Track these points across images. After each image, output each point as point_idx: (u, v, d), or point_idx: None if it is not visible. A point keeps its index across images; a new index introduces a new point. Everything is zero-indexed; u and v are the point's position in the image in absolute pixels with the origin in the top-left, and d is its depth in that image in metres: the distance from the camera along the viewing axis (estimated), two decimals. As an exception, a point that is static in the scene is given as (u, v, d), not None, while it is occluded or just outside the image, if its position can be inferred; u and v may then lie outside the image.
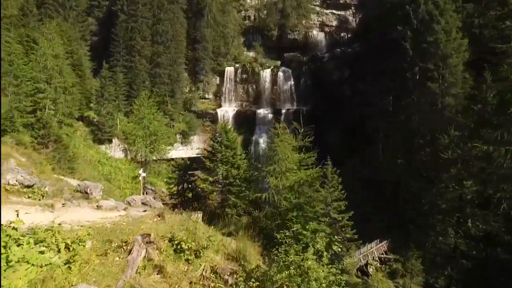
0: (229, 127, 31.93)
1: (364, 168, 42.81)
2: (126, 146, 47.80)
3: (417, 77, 34.72)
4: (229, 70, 68.98)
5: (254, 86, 68.78)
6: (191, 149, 56.89)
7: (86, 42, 54.62)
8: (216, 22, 68.78)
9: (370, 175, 41.12)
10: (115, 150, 44.13)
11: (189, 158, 58.05)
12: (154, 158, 36.82)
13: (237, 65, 70.23)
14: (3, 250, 4.72)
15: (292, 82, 67.38)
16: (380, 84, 42.24)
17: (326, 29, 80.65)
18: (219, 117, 64.79)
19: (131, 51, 53.21)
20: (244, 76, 69.04)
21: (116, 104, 46.14)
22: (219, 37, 69.29)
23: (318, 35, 78.58)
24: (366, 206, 38.89)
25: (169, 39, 55.64)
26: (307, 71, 67.57)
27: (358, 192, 41.10)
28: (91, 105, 45.08)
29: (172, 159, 54.61)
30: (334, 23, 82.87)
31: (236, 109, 66.45)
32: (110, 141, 44.01)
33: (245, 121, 64.15)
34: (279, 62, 71.77)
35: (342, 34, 79.85)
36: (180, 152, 55.48)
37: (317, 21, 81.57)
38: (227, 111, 65.91)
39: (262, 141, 62.37)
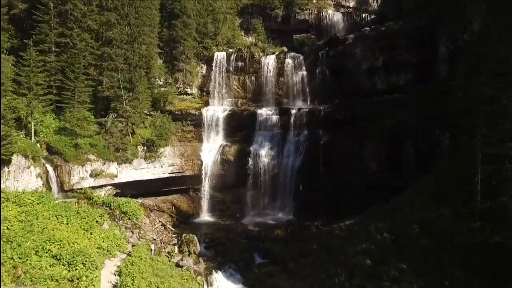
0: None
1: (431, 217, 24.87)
2: (48, 167, 29.86)
3: None
4: (220, 55, 51.30)
5: (253, 78, 51.18)
6: (160, 166, 38.89)
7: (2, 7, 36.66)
8: (202, -9, 51.21)
9: (445, 229, 23.49)
10: (17, 177, 26.08)
11: (159, 180, 40.33)
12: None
13: (230, 50, 52.67)
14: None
15: (305, 73, 49.87)
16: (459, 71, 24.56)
17: (342, 10, 65.17)
18: (204, 119, 47.19)
19: (66, 20, 35.17)
20: (240, 64, 51.44)
21: (27, 99, 28.51)
22: (206, 12, 51.54)
23: (334, 16, 61.98)
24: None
25: (125, 3, 37.46)
26: (325, 57, 49.99)
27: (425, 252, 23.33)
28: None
29: (129, 183, 36.72)
30: (351, 3, 66.97)
31: (228, 108, 48.99)
32: (9, 162, 25.97)
33: (242, 125, 46.88)
34: (285, 49, 54.65)
35: (363, 16, 63.68)
36: (143, 172, 37.59)
37: (331, 0, 65.93)
38: (216, 110, 48.23)
39: (265, 153, 45.02)
